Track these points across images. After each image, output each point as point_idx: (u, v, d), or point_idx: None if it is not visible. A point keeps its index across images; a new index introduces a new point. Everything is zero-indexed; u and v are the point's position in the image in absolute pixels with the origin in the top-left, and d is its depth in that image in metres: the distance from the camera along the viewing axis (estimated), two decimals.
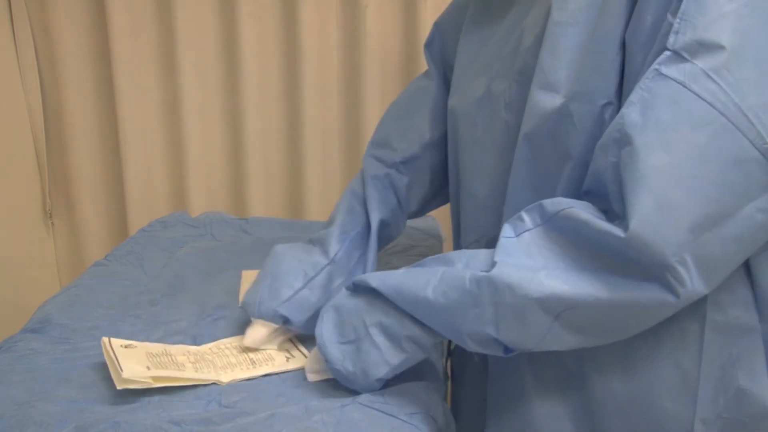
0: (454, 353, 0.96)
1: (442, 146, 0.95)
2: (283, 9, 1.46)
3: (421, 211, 1.02)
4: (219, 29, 1.49)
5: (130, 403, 0.72)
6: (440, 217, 1.30)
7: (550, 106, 0.67)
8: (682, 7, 0.58)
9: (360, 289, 0.75)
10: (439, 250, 1.21)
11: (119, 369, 0.72)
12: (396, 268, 0.74)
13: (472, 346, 0.67)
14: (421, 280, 0.68)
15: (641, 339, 0.66)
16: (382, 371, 0.72)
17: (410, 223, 1.10)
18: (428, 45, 1.00)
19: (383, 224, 0.91)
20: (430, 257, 0.72)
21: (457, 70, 0.88)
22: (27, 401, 0.72)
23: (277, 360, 0.82)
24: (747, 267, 0.65)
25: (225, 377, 0.77)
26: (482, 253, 0.68)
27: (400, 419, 0.69)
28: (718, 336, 0.65)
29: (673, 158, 0.57)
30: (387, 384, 0.74)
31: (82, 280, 1.05)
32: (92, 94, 1.55)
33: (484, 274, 0.63)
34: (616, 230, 0.58)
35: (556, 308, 0.61)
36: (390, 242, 0.82)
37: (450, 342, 0.92)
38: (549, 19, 0.67)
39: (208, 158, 1.56)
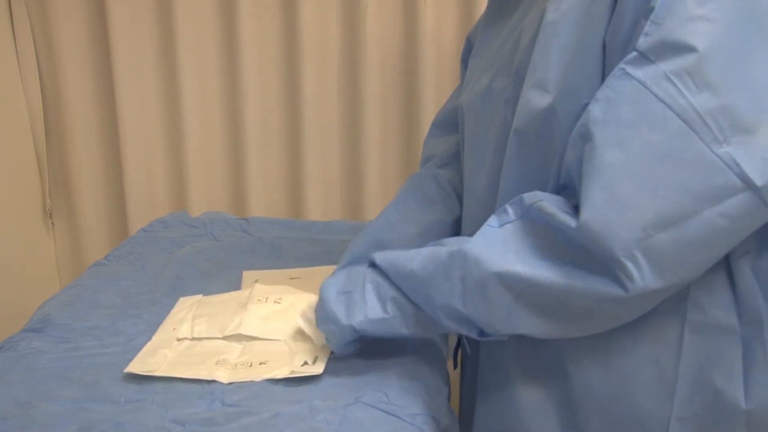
0: (460, 349, 0.96)
1: None
2: (283, 9, 1.46)
3: None
4: (219, 29, 1.49)
5: (132, 402, 0.72)
6: None
7: (540, 105, 0.67)
8: (654, 10, 0.59)
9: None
10: None
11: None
12: None
13: (447, 323, 0.70)
14: (412, 254, 0.72)
15: (620, 333, 0.66)
16: (357, 318, 0.74)
17: None
18: (463, 58, 1.01)
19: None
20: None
21: (468, 70, 0.89)
22: (28, 401, 0.72)
23: (285, 367, 0.79)
24: (728, 269, 0.65)
25: (226, 378, 0.77)
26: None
27: (403, 420, 0.69)
28: (698, 336, 0.65)
29: (627, 156, 0.58)
30: (389, 383, 0.75)
31: (82, 280, 1.05)
32: (92, 95, 1.55)
33: (456, 248, 0.67)
34: (570, 221, 0.61)
35: (516, 285, 0.64)
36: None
37: (456, 343, 0.93)
38: (543, 18, 0.68)
39: (208, 158, 1.56)
